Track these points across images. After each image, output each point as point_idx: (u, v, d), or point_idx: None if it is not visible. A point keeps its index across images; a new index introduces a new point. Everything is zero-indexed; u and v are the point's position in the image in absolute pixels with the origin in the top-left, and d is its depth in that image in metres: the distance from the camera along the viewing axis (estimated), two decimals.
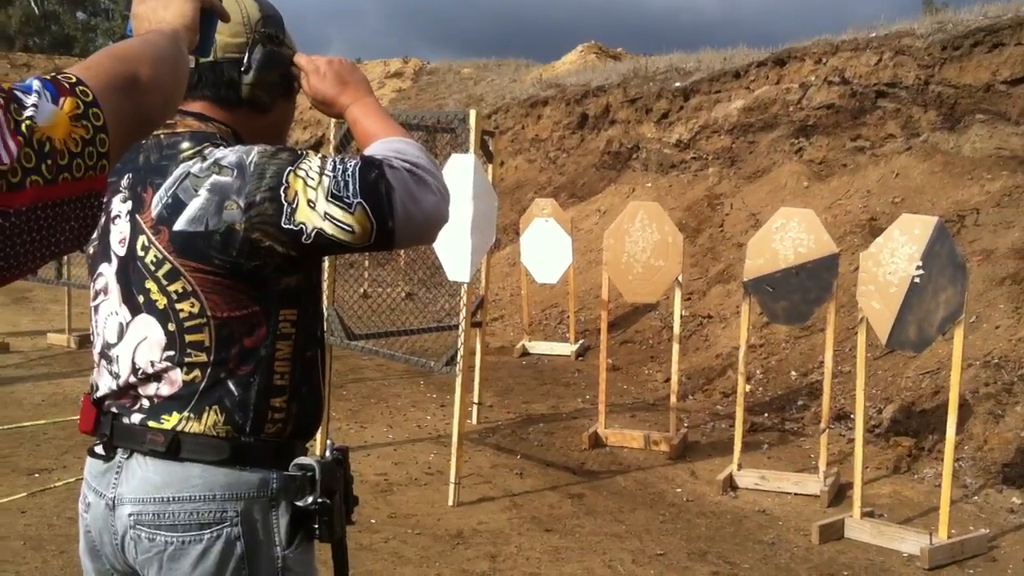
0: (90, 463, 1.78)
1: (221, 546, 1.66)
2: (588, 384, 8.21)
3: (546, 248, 9.44)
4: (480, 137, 5.49)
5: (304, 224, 1.57)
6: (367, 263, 12.15)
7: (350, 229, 1.57)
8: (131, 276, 1.69)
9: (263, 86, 1.78)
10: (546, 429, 6.96)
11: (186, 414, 1.67)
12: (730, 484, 5.70)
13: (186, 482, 1.66)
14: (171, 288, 1.65)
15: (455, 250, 5.29)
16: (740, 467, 5.80)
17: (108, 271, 1.73)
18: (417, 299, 8.80)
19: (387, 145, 1.67)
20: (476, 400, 7.10)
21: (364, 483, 5.53)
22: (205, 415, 1.67)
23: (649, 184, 12.84)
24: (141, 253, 1.66)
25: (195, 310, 1.65)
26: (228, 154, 1.62)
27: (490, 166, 6.15)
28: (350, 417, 7.04)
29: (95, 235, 1.75)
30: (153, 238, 1.64)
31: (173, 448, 1.66)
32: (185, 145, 1.67)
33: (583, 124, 15.08)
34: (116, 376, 1.73)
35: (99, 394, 1.77)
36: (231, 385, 1.67)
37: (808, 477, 5.73)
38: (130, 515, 1.68)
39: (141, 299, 1.68)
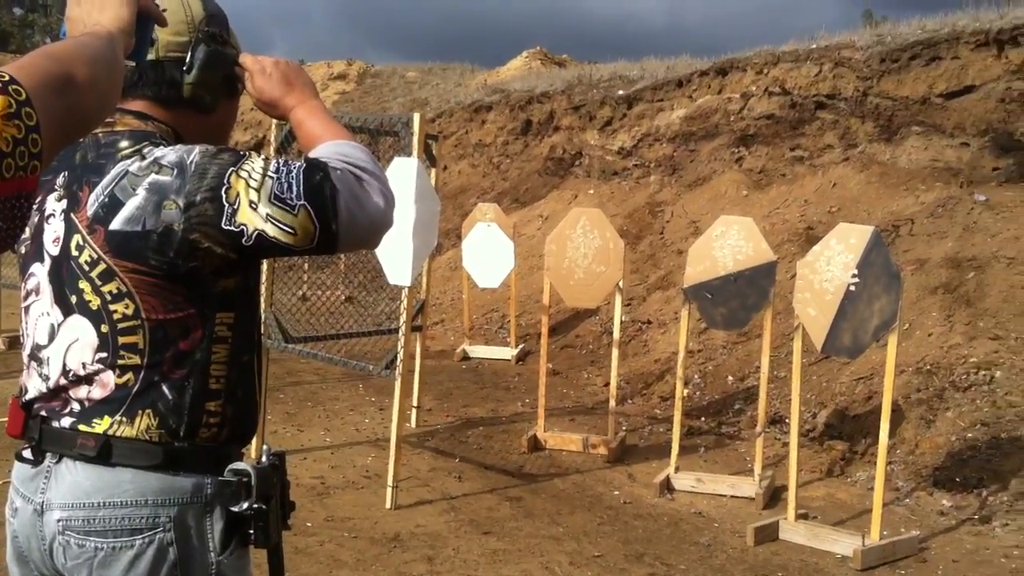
0: (18, 468, 1.72)
1: (153, 552, 1.62)
2: (528, 388, 8.21)
3: (488, 253, 9.44)
4: (424, 141, 5.46)
5: (245, 225, 1.54)
6: (307, 266, 12.04)
7: (292, 231, 1.55)
8: (64, 276, 1.65)
9: (206, 86, 1.75)
10: (485, 432, 6.94)
11: (118, 418, 1.63)
12: (667, 487, 5.73)
13: (117, 487, 1.62)
14: (105, 289, 1.61)
15: (396, 254, 5.26)
16: (677, 470, 5.84)
17: (40, 271, 1.69)
18: (357, 303, 8.72)
19: (333, 148, 1.65)
20: (415, 404, 7.06)
21: (300, 487, 5.46)
22: (138, 419, 1.63)
23: (591, 191, 12.91)
24: (75, 252, 1.62)
25: (129, 311, 1.62)
26: (168, 153, 1.59)
27: (433, 170, 6.12)
28: (287, 420, 6.96)
29: (27, 234, 1.71)
30: (88, 237, 1.61)
31: (104, 452, 1.62)
32: (124, 144, 1.64)
33: (527, 130, 15.12)
34: (46, 378, 1.68)
35: (28, 397, 1.71)
36: (165, 389, 1.64)
37: (744, 480, 5.78)
38: (59, 520, 1.63)
39: (74, 299, 1.64)
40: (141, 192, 1.56)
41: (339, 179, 1.56)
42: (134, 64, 1.61)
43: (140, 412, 1.63)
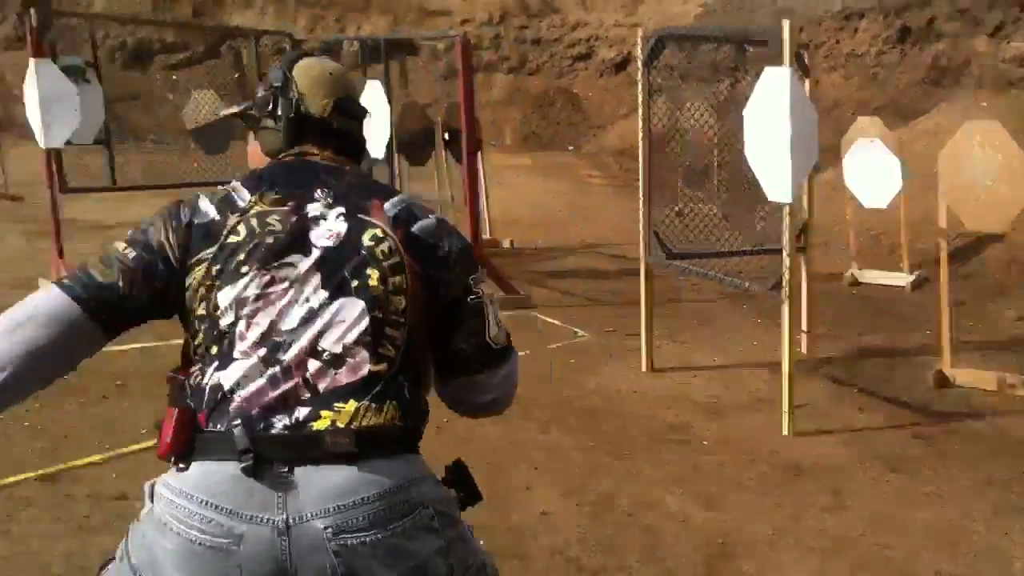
0: (215, 490, 1.68)
1: (426, 528, 1.74)
2: (926, 318, 7.57)
3: (872, 171, 8.77)
4: (795, 51, 5.09)
5: (479, 294, 1.95)
6: (680, 182, 11.92)
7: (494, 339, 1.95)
8: (345, 263, 1.81)
9: None
10: (885, 364, 6.52)
11: (365, 403, 1.75)
12: None
13: (376, 478, 1.70)
14: (392, 280, 1.82)
15: (774, 169, 4.98)
16: None
17: (303, 261, 1.80)
18: (733, 220, 8.48)
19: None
20: (805, 328, 6.76)
21: (696, 404, 5.43)
22: (385, 408, 1.76)
23: (984, 103, 11.61)
24: (370, 243, 1.83)
25: (401, 307, 1.82)
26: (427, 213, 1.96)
27: (807, 81, 5.71)
28: (670, 337, 6.93)
29: (244, 237, 1.81)
30: (391, 232, 1.85)
31: (362, 445, 1.71)
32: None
33: (904, 38, 13.87)
34: (276, 362, 1.74)
35: (239, 402, 1.71)
36: (405, 385, 1.81)
37: None
38: (326, 528, 1.66)
39: (354, 284, 1.80)
40: (431, 217, 1.93)
41: (514, 362, 2.01)
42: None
43: (387, 402, 1.77)
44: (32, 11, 7.50)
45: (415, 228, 1.88)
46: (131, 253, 1.81)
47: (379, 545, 1.68)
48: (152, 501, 1.75)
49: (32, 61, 7.33)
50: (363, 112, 2.07)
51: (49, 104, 7.28)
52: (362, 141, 2.09)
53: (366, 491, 1.69)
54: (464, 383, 1.96)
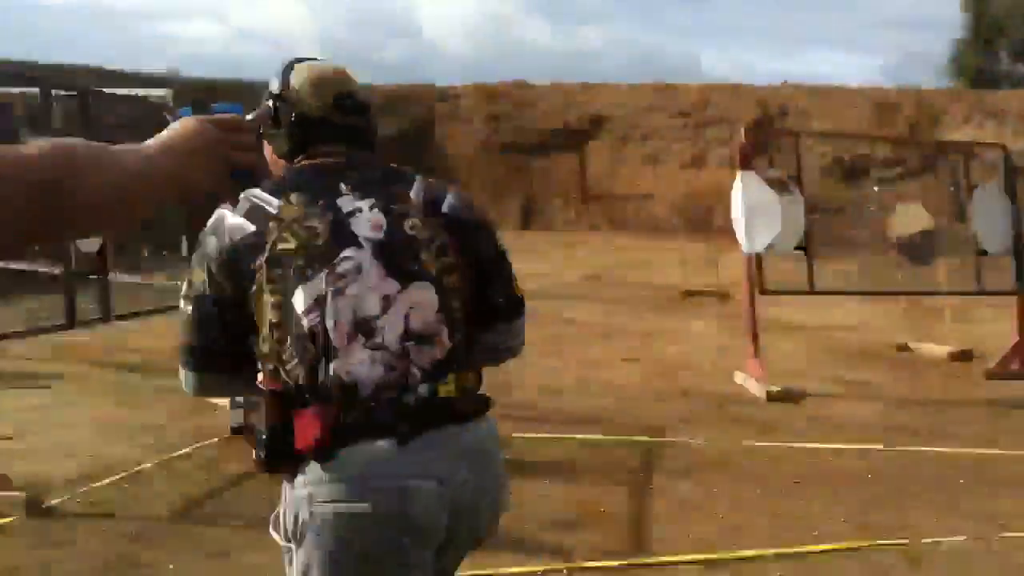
0: (372, 462, 1.86)
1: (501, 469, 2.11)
2: None
3: None
4: None
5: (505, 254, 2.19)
6: None
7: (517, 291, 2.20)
8: (398, 252, 1.96)
9: None
10: None
11: (459, 373, 1.99)
12: None
13: (484, 433, 2.04)
14: (443, 260, 2.01)
15: None
16: None
17: (360, 254, 1.92)
18: None
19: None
20: None
21: None
22: (469, 375, 2.04)
23: None
24: (411, 232, 1.99)
25: (455, 284, 2.02)
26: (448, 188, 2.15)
27: None
28: None
29: (290, 243, 1.91)
30: (427, 217, 2.02)
31: (470, 407, 2.01)
32: (395, 166, 2.16)
33: None
34: (381, 347, 1.90)
35: (367, 385, 1.88)
36: (468, 346, 2.05)
37: None
38: (467, 475, 1.94)
39: (415, 268, 1.96)
40: (449, 194, 2.11)
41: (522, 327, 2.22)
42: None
43: (468, 369, 2.04)
44: (747, 129, 8.15)
45: (445, 208, 2.07)
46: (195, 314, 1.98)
47: (493, 481, 2.04)
48: (304, 519, 1.87)
49: (739, 173, 7.94)
50: (366, 105, 2.13)
51: (753, 212, 7.80)
52: (371, 132, 2.15)
53: (481, 444, 2.02)
54: (500, 330, 2.15)
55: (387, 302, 1.92)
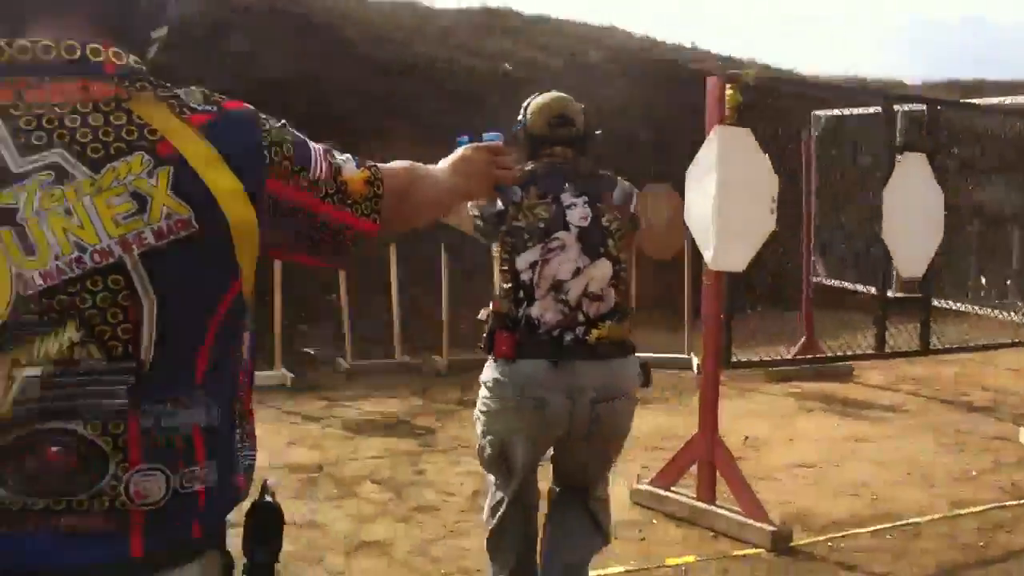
0: (531, 373, 2.87)
1: (628, 401, 3.01)
2: None
3: None
4: None
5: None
6: None
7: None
8: (594, 237, 2.93)
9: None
10: None
11: (614, 323, 2.93)
12: None
13: (617, 371, 2.95)
14: (620, 244, 2.97)
15: None
16: None
17: (567, 236, 2.91)
18: None
19: None
20: None
21: None
22: (623, 324, 2.96)
23: None
24: (606, 224, 2.96)
25: (624, 261, 2.99)
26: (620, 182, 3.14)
27: None
28: None
29: (522, 223, 2.95)
30: (620, 215, 2.98)
31: (613, 349, 2.93)
32: (604, 172, 3.13)
33: None
34: (564, 302, 2.88)
35: (546, 321, 2.87)
36: (624, 310, 2.99)
37: None
38: (593, 397, 2.88)
39: (602, 250, 2.94)
40: (631, 191, 3.11)
41: None
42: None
43: (624, 321, 2.97)
44: None
45: (632, 207, 3.04)
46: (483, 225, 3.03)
47: (612, 406, 2.92)
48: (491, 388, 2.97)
49: None
50: (572, 120, 3.04)
51: None
52: (579, 137, 3.06)
53: (611, 379, 2.92)
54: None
55: (577, 272, 2.91)
